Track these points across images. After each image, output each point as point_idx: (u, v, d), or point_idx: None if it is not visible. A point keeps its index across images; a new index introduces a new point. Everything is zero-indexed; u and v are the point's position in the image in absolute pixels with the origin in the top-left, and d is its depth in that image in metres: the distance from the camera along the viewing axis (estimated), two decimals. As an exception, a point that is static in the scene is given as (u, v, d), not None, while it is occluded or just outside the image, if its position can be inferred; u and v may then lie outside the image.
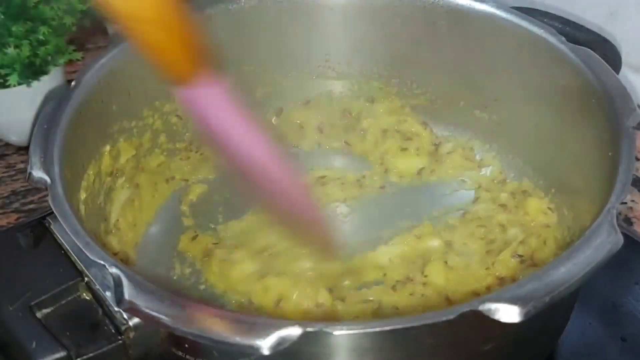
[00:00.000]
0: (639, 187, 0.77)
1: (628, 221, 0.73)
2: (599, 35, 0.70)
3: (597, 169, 0.58)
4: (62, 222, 0.49)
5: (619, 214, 0.73)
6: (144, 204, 0.71)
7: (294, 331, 0.41)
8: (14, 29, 0.72)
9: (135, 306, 0.44)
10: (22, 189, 0.79)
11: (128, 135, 0.68)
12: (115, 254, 0.64)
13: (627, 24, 0.78)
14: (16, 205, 0.77)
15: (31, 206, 0.77)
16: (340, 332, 0.41)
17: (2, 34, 0.71)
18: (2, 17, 0.71)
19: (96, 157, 0.63)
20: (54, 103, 0.59)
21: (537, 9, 0.72)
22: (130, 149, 0.69)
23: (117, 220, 0.67)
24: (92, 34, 0.93)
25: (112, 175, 0.66)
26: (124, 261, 0.64)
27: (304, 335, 0.41)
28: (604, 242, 0.46)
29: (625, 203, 0.75)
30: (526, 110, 0.69)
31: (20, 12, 0.72)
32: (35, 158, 0.54)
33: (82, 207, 0.58)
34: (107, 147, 0.65)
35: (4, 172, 0.81)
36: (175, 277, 0.67)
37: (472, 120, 0.75)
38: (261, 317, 0.42)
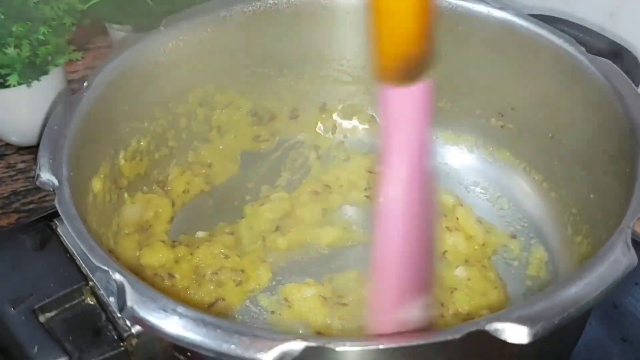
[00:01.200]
0: None
1: None
2: (620, 46, 0.68)
3: (614, 184, 0.56)
4: (67, 225, 0.49)
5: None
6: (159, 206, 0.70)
7: (296, 346, 0.41)
8: (14, 29, 0.71)
9: (136, 314, 0.43)
10: (22, 189, 0.79)
11: (140, 137, 0.68)
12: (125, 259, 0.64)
13: (626, 25, 0.77)
14: (16, 205, 0.77)
15: (31, 206, 0.77)
16: (342, 349, 0.41)
17: (2, 34, 0.71)
18: (2, 17, 0.71)
19: (107, 158, 0.63)
20: (64, 105, 0.58)
21: (558, 17, 0.70)
22: (143, 151, 0.68)
23: (129, 223, 0.67)
24: (92, 34, 0.93)
25: (124, 177, 0.66)
26: (133, 266, 0.64)
27: (306, 350, 0.40)
28: (617, 262, 0.45)
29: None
30: (543, 120, 0.68)
31: (20, 12, 0.72)
32: (43, 160, 0.54)
33: (90, 210, 0.58)
34: (119, 149, 0.65)
35: (4, 172, 0.81)
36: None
37: (488, 128, 0.74)
38: (264, 331, 0.42)
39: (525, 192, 0.72)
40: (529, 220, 0.70)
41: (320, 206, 0.73)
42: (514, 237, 0.69)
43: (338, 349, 0.41)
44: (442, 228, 0.69)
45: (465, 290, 0.64)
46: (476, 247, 0.68)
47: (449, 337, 0.41)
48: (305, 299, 0.63)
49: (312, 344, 0.40)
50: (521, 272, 0.66)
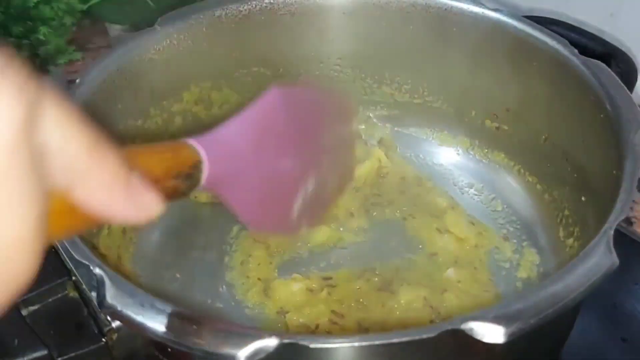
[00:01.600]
0: (639, 187, 0.74)
1: (628, 221, 0.71)
2: (616, 48, 0.68)
3: (603, 186, 0.56)
4: (51, 220, 0.49)
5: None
6: None
7: (270, 342, 0.41)
8: (14, 29, 0.72)
9: (114, 308, 0.43)
10: None
11: (134, 134, 0.68)
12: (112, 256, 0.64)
13: (626, 25, 0.76)
14: None
15: None
16: (316, 346, 0.41)
17: (2, 34, 0.72)
18: (2, 17, 0.72)
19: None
20: (55, 100, 0.59)
21: (555, 19, 0.70)
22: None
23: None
24: (92, 34, 0.93)
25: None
26: (120, 261, 0.65)
27: (281, 347, 0.40)
28: (598, 265, 0.45)
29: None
30: (536, 122, 0.68)
31: (20, 12, 0.72)
32: (32, 155, 0.54)
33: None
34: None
35: None
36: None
37: (483, 129, 0.74)
38: (239, 327, 0.42)
39: (519, 194, 0.72)
40: (522, 222, 0.70)
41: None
42: (506, 239, 0.69)
43: (312, 346, 0.41)
44: (432, 230, 0.68)
45: (456, 292, 0.64)
46: (468, 248, 0.67)
47: (424, 336, 0.41)
48: (293, 294, 0.63)
49: (286, 340, 0.40)
50: (512, 274, 0.66)
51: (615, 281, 0.65)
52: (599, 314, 0.64)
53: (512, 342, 0.42)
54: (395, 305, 0.62)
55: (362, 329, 0.61)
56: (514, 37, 0.66)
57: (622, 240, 0.65)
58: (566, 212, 0.65)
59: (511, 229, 0.70)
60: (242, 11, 0.72)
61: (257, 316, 0.63)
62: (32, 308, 0.48)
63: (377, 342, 0.41)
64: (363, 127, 0.80)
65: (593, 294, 0.62)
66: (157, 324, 0.42)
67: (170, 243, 0.69)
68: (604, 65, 0.60)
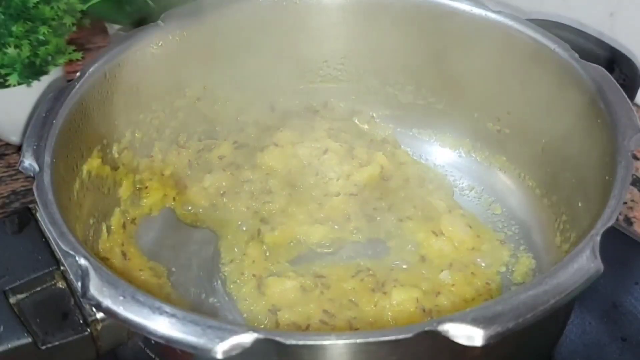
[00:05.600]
0: (639, 186, 0.73)
1: (628, 221, 0.70)
2: (620, 53, 0.67)
3: (598, 192, 0.55)
4: (41, 209, 0.50)
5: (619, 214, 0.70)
6: (148, 200, 0.71)
7: (247, 338, 0.41)
8: (14, 29, 0.72)
9: (97, 299, 0.44)
10: (22, 188, 0.79)
11: (134, 128, 0.69)
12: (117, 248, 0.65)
13: (626, 24, 0.75)
14: (16, 205, 0.77)
15: (31, 206, 0.77)
16: (291, 342, 0.41)
17: (2, 34, 0.72)
18: (2, 17, 0.72)
19: (99, 148, 0.64)
20: (55, 93, 0.59)
21: (559, 22, 0.69)
22: (136, 142, 0.69)
23: (120, 211, 0.68)
24: (92, 34, 0.93)
25: (117, 167, 0.67)
26: (126, 257, 0.65)
27: (257, 343, 0.41)
28: (581, 269, 0.44)
29: (626, 203, 0.72)
30: (537, 125, 0.67)
31: (20, 12, 0.72)
32: (28, 146, 0.55)
33: (75, 196, 0.59)
34: (112, 139, 0.66)
35: (4, 172, 0.81)
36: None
37: (485, 132, 0.73)
38: (218, 322, 0.42)
39: (518, 198, 0.71)
40: (520, 226, 0.69)
41: (315, 204, 0.73)
42: (503, 243, 0.68)
43: (287, 342, 0.41)
44: (429, 232, 0.68)
45: (450, 295, 0.63)
46: (464, 251, 0.67)
47: (400, 337, 0.41)
48: (286, 291, 0.63)
49: (262, 336, 0.40)
50: (507, 279, 0.65)
51: (615, 281, 0.66)
52: (599, 314, 0.64)
53: (494, 345, 0.42)
54: (387, 306, 0.62)
55: (352, 329, 0.61)
56: (515, 38, 0.66)
57: (622, 240, 0.66)
58: (564, 218, 0.64)
59: (509, 233, 0.69)
60: (246, 9, 0.72)
61: (249, 313, 0.63)
62: (20, 296, 0.49)
63: (353, 341, 0.41)
64: (366, 126, 0.80)
65: (592, 292, 0.62)
66: (135, 315, 0.43)
67: (168, 237, 0.70)
68: (603, 70, 0.60)
